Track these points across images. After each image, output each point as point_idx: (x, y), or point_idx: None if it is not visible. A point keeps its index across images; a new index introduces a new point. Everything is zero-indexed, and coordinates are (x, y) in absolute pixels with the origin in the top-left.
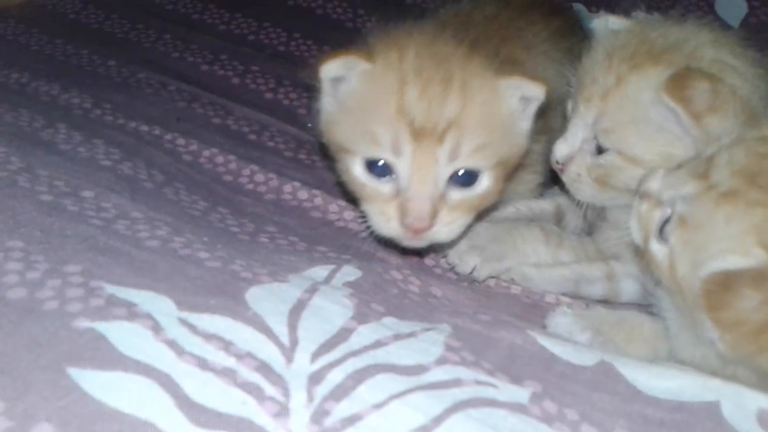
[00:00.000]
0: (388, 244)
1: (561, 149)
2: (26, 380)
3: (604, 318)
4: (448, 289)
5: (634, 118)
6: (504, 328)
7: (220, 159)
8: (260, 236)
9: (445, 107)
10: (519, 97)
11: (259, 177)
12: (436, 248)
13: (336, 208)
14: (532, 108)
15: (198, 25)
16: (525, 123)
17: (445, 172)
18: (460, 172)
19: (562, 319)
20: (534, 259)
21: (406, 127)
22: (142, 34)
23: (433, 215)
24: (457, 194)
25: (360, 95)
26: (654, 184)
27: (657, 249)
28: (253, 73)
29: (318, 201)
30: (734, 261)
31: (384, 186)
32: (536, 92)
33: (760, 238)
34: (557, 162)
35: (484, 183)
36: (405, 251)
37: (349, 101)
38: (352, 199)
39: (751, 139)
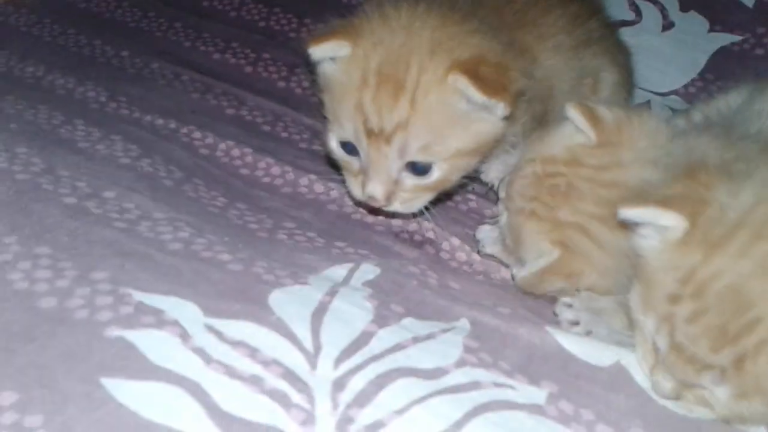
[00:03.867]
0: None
1: None
2: (63, 393)
3: (605, 306)
4: (465, 282)
5: None
6: (523, 324)
7: (236, 152)
8: (279, 233)
9: (393, 112)
10: (467, 99)
11: (275, 170)
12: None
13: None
14: (497, 110)
15: (208, 12)
16: (487, 119)
17: (396, 165)
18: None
19: (582, 315)
20: None
21: (362, 125)
22: (153, 23)
23: (388, 197)
24: (411, 180)
25: (336, 80)
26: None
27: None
28: (264, 61)
29: (334, 194)
30: None
31: (354, 161)
32: (479, 99)
33: None
34: None
35: (436, 173)
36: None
37: (329, 82)
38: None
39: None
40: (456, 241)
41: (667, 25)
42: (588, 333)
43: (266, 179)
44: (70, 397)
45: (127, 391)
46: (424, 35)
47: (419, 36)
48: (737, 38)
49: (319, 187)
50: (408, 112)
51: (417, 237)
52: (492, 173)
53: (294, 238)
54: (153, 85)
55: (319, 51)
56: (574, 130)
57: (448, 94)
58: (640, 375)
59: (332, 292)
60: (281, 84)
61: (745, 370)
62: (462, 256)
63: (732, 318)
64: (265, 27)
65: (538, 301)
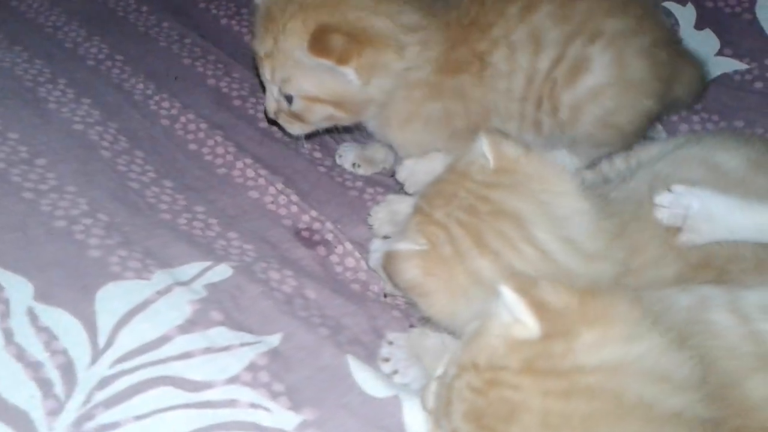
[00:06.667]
0: None
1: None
2: None
3: (431, 347)
4: (324, 294)
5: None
6: (330, 347)
7: (192, 126)
8: (182, 216)
9: (264, 43)
10: None
11: (220, 149)
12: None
13: (274, 191)
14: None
15: None
16: (342, 78)
17: (273, 87)
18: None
19: (396, 353)
20: None
21: (255, 45)
22: None
23: (275, 112)
24: (285, 106)
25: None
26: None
27: None
28: None
29: (261, 181)
30: None
31: None
32: (304, 55)
33: None
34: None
35: (295, 105)
36: None
37: None
38: (289, 182)
39: (465, 374)
40: (350, 246)
41: None
42: (394, 372)
43: (209, 157)
44: None
45: None
46: None
47: None
48: (743, 67)
49: (250, 173)
50: (272, 47)
51: (316, 237)
52: (403, 173)
53: (192, 223)
54: (153, 46)
55: None
56: (482, 153)
57: (299, 43)
58: (409, 415)
59: (165, 291)
60: None
61: None
62: (351, 261)
63: (494, 417)
64: None
65: (388, 320)
